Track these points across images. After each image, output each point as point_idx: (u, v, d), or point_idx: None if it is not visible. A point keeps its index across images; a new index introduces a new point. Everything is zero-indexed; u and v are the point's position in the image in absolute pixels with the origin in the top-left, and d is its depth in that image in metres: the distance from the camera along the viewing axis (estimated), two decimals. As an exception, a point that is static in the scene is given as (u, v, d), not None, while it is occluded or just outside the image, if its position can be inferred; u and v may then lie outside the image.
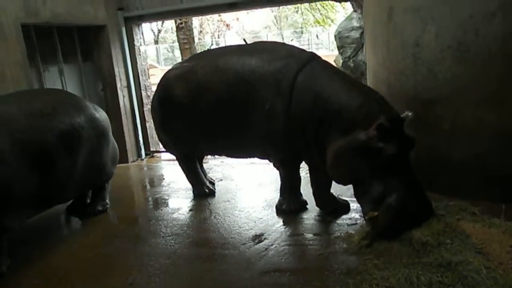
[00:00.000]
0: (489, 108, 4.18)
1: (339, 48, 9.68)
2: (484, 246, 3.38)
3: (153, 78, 8.36)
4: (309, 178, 4.67)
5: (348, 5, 8.07)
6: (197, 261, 3.85)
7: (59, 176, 4.33)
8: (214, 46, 20.30)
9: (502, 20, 3.94)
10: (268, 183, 5.61)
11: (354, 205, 4.65)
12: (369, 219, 3.77)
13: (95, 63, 7.49)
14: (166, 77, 5.08)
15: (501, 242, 3.41)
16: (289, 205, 4.67)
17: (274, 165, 4.72)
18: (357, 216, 4.45)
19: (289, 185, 4.68)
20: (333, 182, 4.50)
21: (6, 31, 5.43)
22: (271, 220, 4.57)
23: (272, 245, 4.00)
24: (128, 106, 7.73)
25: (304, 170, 4.83)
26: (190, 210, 5.14)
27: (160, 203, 5.53)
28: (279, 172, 4.68)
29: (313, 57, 4.40)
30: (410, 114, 3.80)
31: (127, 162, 7.60)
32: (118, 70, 7.48)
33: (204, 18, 18.26)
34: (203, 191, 5.49)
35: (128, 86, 7.68)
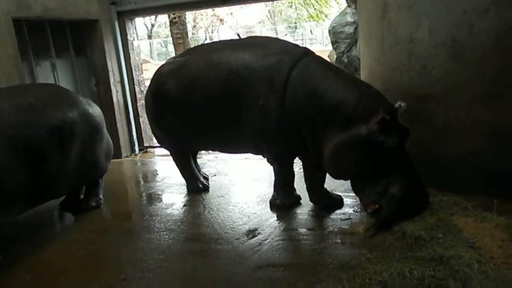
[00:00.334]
0: (482, 104, 4.20)
1: (333, 43, 9.68)
2: (476, 241, 3.42)
3: (147, 73, 8.31)
4: (302, 173, 4.67)
5: (342, 0, 8.06)
6: (191, 256, 3.85)
7: (51, 172, 4.31)
8: (207, 41, 20.22)
9: (496, 16, 3.95)
10: (262, 178, 5.62)
11: (348, 200, 4.69)
12: (372, 212, 3.84)
13: (88, 58, 7.43)
14: (159, 72, 5.06)
15: (493, 236, 3.45)
16: (283, 200, 4.68)
17: (268, 161, 4.72)
18: (350, 211, 4.47)
19: (283, 180, 4.69)
20: (327, 177, 4.54)
21: (-3, 26, 5.39)
22: (265, 215, 4.58)
23: (266, 240, 4.01)
24: (121, 101, 7.69)
25: (297, 165, 4.84)
26: (184, 205, 5.14)
27: (153, 198, 5.52)
28: (273, 167, 4.69)
29: (306, 53, 4.39)
30: (403, 104, 3.84)
31: (121, 158, 7.57)
32: (111, 65, 7.43)
33: (198, 12, 18.18)
34: (197, 186, 5.49)
35: (122, 81, 7.64)
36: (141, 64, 8.20)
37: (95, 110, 5.00)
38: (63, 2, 6.37)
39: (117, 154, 7.30)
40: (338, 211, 4.49)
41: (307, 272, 3.38)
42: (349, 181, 4.50)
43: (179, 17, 12.97)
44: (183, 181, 5.60)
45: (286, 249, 3.83)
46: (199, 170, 5.77)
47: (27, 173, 4.07)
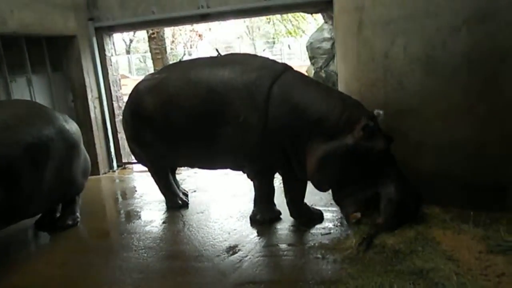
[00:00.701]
0: (456, 119, 4.30)
1: (310, 58, 9.82)
2: (454, 253, 3.48)
3: (125, 89, 8.25)
4: (282, 188, 4.68)
5: (319, 16, 8.21)
6: (171, 274, 3.79)
7: (26, 190, 4.21)
8: (186, 56, 20.23)
9: (467, 34, 4.08)
10: (242, 194, 5.59)
11: (328, 214, 4.70)
12: (355, 222, 3.92)
13: (65, 73, 7.34)
14: (137, 89, 5.03)
15: (470, 248, 3.51)
16: (263, 216, 4.66)
17: (248, 176, 4.71)
18: (330, 225, 4.48)
19: (263, 196, 4.68)
20: (307, 192, 4.56)
21: (-29, 41, 5.29)
22: (245, 231, 4.55)
23: (246, 256, 3.98)
24: (99, 117, 7.60)
25: (277, 180, 4.84)
26: (163, 223, 5.07)
27: (132, 215, 5.43)
28: (253, 183, 4.68)
29: (285, 68, 4.45)
30: (381, 112, 3.99)
31: (99, 174, 7.44)
32: (89, 80, 7.35)
33: (177, 28, 18.21)
34: (176, 202, 5.43)
35: (100, 97, 7.56)
36: (120, 80, 8.14)
37: (72, 127, 4.92)
38: (40, 18, 6.29)
39: (95, 171, 7.19)
40: (318, 226, 4.49)
41: (288, 288, 3.36)
42: (329, 196, 4.54)
43: (157, 32, 12.98)
44: (162, 197, 5.54)
45: (267, 266, 3.80)
46: (178, 186, 5.72)
47: (1, 192, 3.96)
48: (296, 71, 4.53)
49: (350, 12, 5.02)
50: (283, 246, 4.16)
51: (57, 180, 4.58)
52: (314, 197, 5.13)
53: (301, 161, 4.21)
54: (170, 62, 13.48)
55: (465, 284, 3.01)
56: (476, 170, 4.33)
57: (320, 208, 4.79)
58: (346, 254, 3.80)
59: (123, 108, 6.03)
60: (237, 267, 3.80)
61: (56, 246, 4.67)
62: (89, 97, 7.34)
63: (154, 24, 7.66)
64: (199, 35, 19.54)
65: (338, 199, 4.16)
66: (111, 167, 7.83)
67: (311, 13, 7.81)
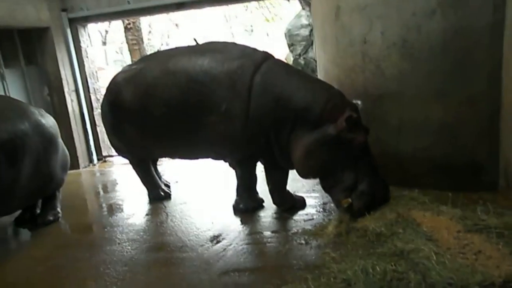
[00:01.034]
0: (433, 102, 4.37)
1: (289, 45, 9.79)
2: (434, 233, 3.54)
3: (102, 81, 8.12)
4: (264, 176, 4.69)
5: (296, 3, 8.18)
6: (155, 266, 3.79)
7: (2, 187, 4.13)
8: (164, 47, 19.96)
9: (441, 17, 4.12)
10: (224, 183, 5.59)
11: (310, 200, 4.75)
12: (347, 207, 4.00)
13: (40, 66, 7.18)
14: (115, 80, 4.95)
15: (449, 228, 3.59)
16: (246, 204, 4.68)
17: (230, 165, 4.71)
18: (313, 211, 4.53)
19: (246, 185, 4.69)
20: (289, 179, 4.59)
21: None
22: (228, 220, 4.56)
23: (230, 245, 4.00)
24: (77, 110, 7.48)
25: (259, 168, 4.86)
26: (146, 215, 5.04)
27: (114, 209, 5.39)
28: (235, 172, 4.68)
29: (267, 57, 4.43)
30: (359, 102, 4.11)
31: (78, 168, 7.36)
32: (65, 73, 7.21)
33: (153, 18, 17.90)
34: (158, 194, 5.40)
35: (77, 90, 7.43)
36: (96, 72, 8.00)
37: (48, 121, 4.83)
38: (11, 9, 6.11)
39: (75, 165, 7.10)
40: (301, 212, 4.54)
41: (272, 274, 3.39)
42: (311, 182, 4.57)
43: (133, 23, 12.75)
44: (144, 190, 5.50)
45: (251, 253, 3.83)
46: (160, 178, 5.68)
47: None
48: (278, 59, 4.53)
49: (327, -2, 5.02)
50: (266, 233, 4.19)
51: (35, 175, 4.50)
52: (296, 184, 5.16)
53: (282, 149, 4.23)
54: (148, 53, 13.29)
55: (444, 263, 3.08)
56: (453, 151, 4.42)
57: (303, 195, 4.84)
58: (328, 238, 3.86)
59: (101, 100, 5.95)
60: (221, 255, 3.82)
61: (38, 242, 4.61)
62: (66, 90, 7.22)
63: (129, 14, 7.55)
64: (176, 25, 19.25)
65: (326, 187, 4.22)
66: (91, 160, 7.74)
67: (289, 0, 7.78)
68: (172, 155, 5.24)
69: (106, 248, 4.22)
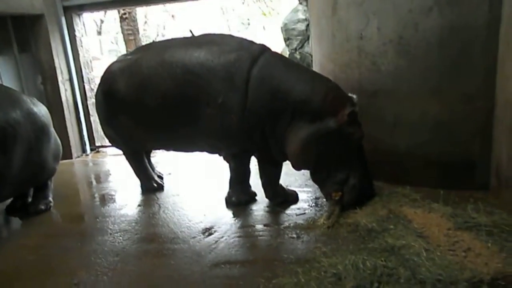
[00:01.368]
0: (429, 99, 4.38)
1: (285, 40, 9.76)
2: (424, 230, 3.57)
3: (97, 70, 8.06)
4: (257, 169, 4.69)
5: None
6: (146, 257, 3.79)
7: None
8: (159, 37, 19.85)
9: (438, 14, 4.13)
10: (217, 176, 5.59)
11: (303, 195, 4.76)
12: (338, 200, 4.07)
13: (34, 55, 7.10)
14: (109, 70, 4.91)
15: (439, 225, 3.62)
16: (238, 197, 4.68)
17: (225, 158, 4.71)
18: (305, 206, 4.54)
19: (239, 178, 4.69)
20: (282, 173, 4.60)
21: None
22: (220, 212, 4.57)
23: (222, 237, 4.00)
24: (70, 99, 7.42)
25: (252, 161, 4.86)
26: (138, 206, 5.03)
27: (107, 199, 5.37)
28: (229, 164, 4.68)
29: (264, 49, 4.42)
30: (354, 96, 4.13)
31: (71, 158, 7.31)
32: (59, 62, 7.14)
33: (149, 8, 17.79)
34: (151, 185, 5.39)
35: (70, 79, 7.37)
36: (91, 61, 7.93)
37: (41, 109, 4.79)
38: (3, -5, 6.04)
39: (68, 155, 7.06)
40: (293, 206, 4.55)
41: (263, 267, 3.40)
42: (304, 177, 4.57)
43: (129, 13, 12.65)
44: (137, 180, 5.48)
45: (243, 246, 3.84)
46: (153, 169, 5.67)
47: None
48: (275, 52, 4.51)
49: (324, -8, 5.00)
50: (258, 226, 4.20)
51: (26, 164, 4.48)
52: (289, 178, 5.18)
53: (278, 142, 4.23)
54: (143, 43, 13.21)
55: (434, 260, 3.10)
56: (447, 149, 4.44)
57: (295, 189, 4.85)
58: (319, 231, 3.89)
59: (95, 90, 5.91)
60: (213, 248, 3.82)
61: (29, 231, 4.59)
62: (59, 79, 7.15)
63: (125, 3, 7.49)
64: (172, 16, 19.15)
65: (318, 179, 4.26)
66: (84, 150, 7.70)
67: (286, -6, 7.75)
68: (167, 147, 5.22)
69: (97, 238, 4.22)
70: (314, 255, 3.47)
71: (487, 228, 3.43)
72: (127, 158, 5.41)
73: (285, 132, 4.15)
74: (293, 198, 4.69)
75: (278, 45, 11.02)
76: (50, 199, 5.08)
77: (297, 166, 4.32)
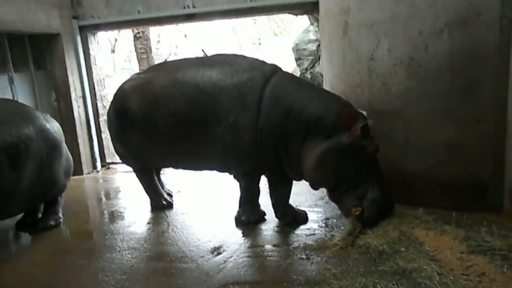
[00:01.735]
0: (439, 121, 4.36)
1: (296, 60, 9.84)
2: (437, 253, 3.51)
3: (109, 88, 8.17)
4: (267, 189, 4.68)
5: (304, 18, 8.24)
6: (154, 276, 3.76)
7: (5, 190, 4.14)
8: (172, 56, 20.10)
9: (449, 37, 4.14)
10: (227, 194, 5.58)
11: (313, 215, 4.72)
12: (358, 216, 4.04)
13: (49, 72, 7.24)
14: (122, 88, 4.97)
15: (452, 248, 3.56)
16: (248, 217, 4.66)
17: (235, 177, 4.70)
18: (315, 226, 4.49)
19: (249, 197, 4.68)
20: (292, 193, 4.57)
21: (-50, 38, 5.17)
22: (229, 231, 4.54)
23: (231, 257, 3.97)
24: (83, 116, 7.52)
25: (262, 180, 4.84)
26: (147, 223, 5.03)
27: (116, 216, 5.38)
28: (240, 184, 4.67)
29: (276, 69, 4.46)
30: (364, 112, 4.16)
31: (82, 174, 7.36)
32: (73, 79, 7.26)
33: (162, 28, 18.07)
34: (160, 203, 5.39)
35: (84, 96, 7.48)
36: (104, 79, 8.05)
37: (53, 126, 4.85)
38: (22, 14, 6.19)
39: (79, 171, 7.12)
40: (303, 227, 4.50)
41: (272, 289, 3.36)
42: (314, 197, 4.54)
43: (143, 32, 12.87)
44: (146, 198, 5.49)
45: (252, 266, 3.80)
46: (163, 187, 5.68)
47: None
48: (286, 72, 4.57)
49: (335, 14, 5.05)
50: (268, 247, 4.16)
51: (37, 179, 4.51)
52: (299, 198, 5.15)
53: (292, 160, 4.23)
54: (156, 62, 13.39)
55: (447, 284, 3.05)
56: (458, 171, 4.39)
57: (305, 209, 4.81)
58: (332, 251, 3.84)
59: (107, 107, 5.97)
60: (221, 267, 3.79)
61: (38, 246, 4.59)
62: (73, 96, 7.26)
63: (139, 23, 7.62)
64: (185, 36, 19.42)
65: (335, 196, 4.25)
66: (95, 167, 7.75)
67: (297, 15, 7.84)
68: (177, 166, 5.22)
69: (106, 255, 4.21)
70: (324, 277, 3.42)
71: (501, 252, 3.37)
72: (137, 175, 5.42)
73: (300, 150, 4.16)
74: (302, 218, 4.65)
75: (289, 65, 11.09)
76: (60, 215, 5.10)
77: (315, 184, 4.31)
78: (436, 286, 3.03)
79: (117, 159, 7.30)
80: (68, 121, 7.21)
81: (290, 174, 4.40)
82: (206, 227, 4.72)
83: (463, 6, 4.05)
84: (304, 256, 3.86)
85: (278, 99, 4.20)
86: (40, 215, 5.09)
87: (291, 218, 4.60)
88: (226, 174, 4.79)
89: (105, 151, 7.89)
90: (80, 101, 7.44)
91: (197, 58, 5.04)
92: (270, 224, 4.63)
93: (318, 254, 3.85)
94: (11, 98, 6.49)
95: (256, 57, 4.81)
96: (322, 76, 6.60)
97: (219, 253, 4.06)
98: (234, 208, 4.79)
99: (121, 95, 4.92)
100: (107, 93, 7.96)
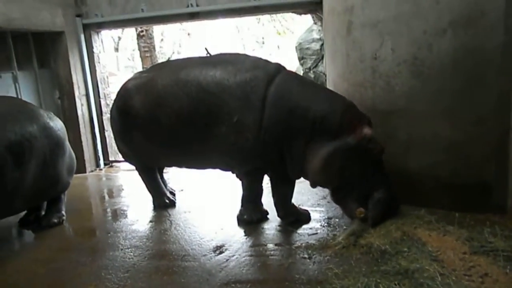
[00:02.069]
0: (442, 120, 4.34)
1: (299, 59, 9.85)
2: (439, 254, 3.50)
3: (113, 86, 8.19)
4: (269, 187, 4.67)
5: (308, 17, 8.23)
6: (157, 274, 3.76)
7: (8, 187, 4.15)
8: (175, 55, 20.13)
9: (452, 36, 4.12)
10: (229, 193, 5.58)
11: (316, 215, 4.72)
12: (364, 217, 4.05)
13: (52, 70, 7.26)
14: (125, 87, 4.98)
15: (455, 249, 3.55)
16: (250, 216, 4.66)
17: (237, 176, 4.70)
18: (317, 225, 4.49)
19: (251, 196, 4.68)
20: (294, 192, 4.57)
21: (-45, 36, 5.20)
22: (232, 230, 4.54)
23: (233, 256, 3.97)
24: (86, 114, 7.54)
25: (264, 179, 4.84)
26: (150, 222, 5.04)
27: (119, 214, 5.39)
28: (242, 182, 4.67)
29: (280, 68, 4.46)
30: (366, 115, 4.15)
31: (85, 172, 7.39)
32: (77, 77, 7.28)
33: (165, 26, 18.09)
34: (163, 202, 5.40)
35: (87, 94, 7.50)
36: (107, 77, 8.07)
37: (57, 124, 4.86)
38: (26, 13, 6.21)
39: (82, 169, 7.14)
40: (305, 226, 4.50)
41: (274, 288, 3.35)
42: (316, 196, 4.53)
43: (146, 30, 12.89)
44: (149, 196, 5.50)
45: (254, 265, 3.80)
46: (166, 185, 5.68)
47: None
48: (290, 71, 4.57)
49: (339, 13, 5.04)
50: (270, 246, 4.16)
51: (41, 177, 4.53)
52: (301, 197, 5.15)
53: (295, 160, 4.23)
54: (159, 60, 13.40)
55: (450, 285, 3.04)
56: (461, 170, 4.38)
57: (308, 208, 4.81)
58: (334, 251, 3.83)
59: (110, 105, 5.99)
60: (223, 266, 3.79)
61: (41, 244, 4.61)
62: (76, 94, 7.28)
63: (143, 21, 7.63)
64: (188, 34, 19.43)
65: (339, 198, 4.26)
66: (98, 165, 7.77)
67: (301, 14, 7.83)
68: (180, 165, 5.22)
69: (108, 253, 4.22)
70: (326, 276, 3.42)
71: (505, 253, 3.35)
72: (139, 174, 5.44)
73: (304, 150, 4.16)
74: (305, 217, 4.64)
75: (292, 64, 11.09)
76: (63, 212, 5.12)
77: (319, 184, 4.32)
78: (438, 286, 3.02)
79: (120, 157, 7.31)
80: (72, 119, 7.23)
81: (290, 172, 4.39)
82: (208, 225, 4.72)
83: (467, 5, 4.03)
84: (306, 256, 3.85)
85: (282, 98, 4.20)
86: (43, 213, 5.11)
87: (294, 217, 4.60)
88: (229, 173, 4.79)
89: (108, 149, 7.91)
90: (84, 99, 7.47)
91: (201, 58, 5.05)
92: (272, 223, 4.63)
93: (320, 254, 3.84)
94: (15, 96, 6.52)
95: (259, 56, 4.81)
96: (325, 75, 6.59)
97: (221, 252, 4.07)
98: (237, 207, 4.80)
99: (124, 93, 4.93)
100: (110, 91, 7.98)
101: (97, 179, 7.22)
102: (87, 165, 7.48)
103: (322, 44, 8.56)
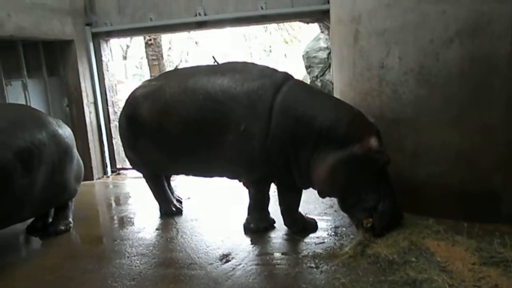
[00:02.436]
0: (449, 129, 4.33)
1: (306, 67, 9.86)
2: (448, 264, 3.47)
3: (121, 94, 8.25)
4: (276, 196, 4.66)
5: (315, 25, 8.26)
6: (163, 282, 3.76)
7: (17, 194, 4.18)
8: (183, 63, 20.24)
9: (459, 45, 4.12)
10: (236, 201, 5.57)
11: (323, 224, 4.70)
12: (371, 227, 4.01)
13: (61, 78, 7.33)
14: (133, 95, 5.01)
15: (464, 259, 3.51)
16: (257, 224, 4.65)
17: (244, 184, 4.70)
18: (324, 234, 4.47)
19: (258, 204, 4.67)
20: (301, 201, 4.55)
21: (-33, 44, 5.27)
22: (238, 239, 4.53)
23: (239, 264, 3.96)
24: (94, 122, 7.59)
25: (271, 188, 4.83)
26: (156, 229, 5.04)
27: (125, 222, 5.40)
28: (249, 191, 4.67)
29: (287, 77, 4.47)
30: (373, 120, 4.17)
31: (93, 179, 7.42)
32: (85, 85, 7.35)
33: (173, 35, 18.22)
34: (170, 209, 5.40)
35: (95, 102, 7.55)
36: (116, 85, 8.13)
37: (65, 131, 4.90)
38: (37, 21, 6.29)
39: (89, 176, 7.18)
40: (312, 235, 4.48)
41: (281, 297, 3.34)
42: (323, 205, 4.51)
43: (154, 39, 12.99)
44: (156, 204, 5.51)
45: (260, 274, 3.78)
46: (173, 193, 5.69)
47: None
48: (298, 80, 4.57)
49: (346, 22, 5.05)
50: (276, 255, 4.14)
51: (49, 184, 4.55)
52: (308, 206, 5.13)
53: (302, 169, 4.22)
54: (167, 69, 13.49)
55: (458, 296, 3.01)
56: (469, 179, 4.35)
57: (314, 217, 4.79)
58: (341, 260, 3.80)
59: (118, 113, 6.03)
60: (230, 275, 3.78)
61: (48, 251, 4.63)
62: (85, 102, 7.34)
63: (151, 30, 7.69)
64: (196, 43, 19.55)
65: (346, 207, 4.21)
66: (105, 172, 7.80)
67: (308, 23, 7.86)
68: (187, 172, 5.23)
69: (115, 261, 4.22)
70: (333, 286, 3.39)
71: (514, 264, 3.31)
72: (147, 181, 5.45)
73: (310, 159, 4.14)
74: (312, 226, 4.62)
75: (299, 73, 11.11)
76: (70, 219, 5.13)
77: (324, 194, 4.29)
78: (447, 297, 2.99)
79: (127, 164, 7.35)
80: (80, 127, 7.29)
81: (297, 181, 4.38)
82: (215, 234, 4.71)
83: (473, 15, 4.03)
84: (313, 265, 3.83)
85: (289, 107, 4.20)
86: (50, 220, 5.13)
87: (300, 226, 4.58)
88: (236, 181, 4.79)
89: (116, 157, 7.94)
90: (92, 107, 7.52)
91: (208, 66, 5.07)
92: (279, 232, 4.62)
93: (327, 263, 3.82)
94: (24, 103, 6.59)
95: (267, 64, 4.83)
96: (333, 84, 6.59)
97: (227, 261, 4.05)
98: (243, 215, 4.79)
99: (132, 101, 4.96)
100: (118, 99, 8.03)
101: (104, 187, 7.25)
102: (94, 172, 7.51)
103: (329, 53, 8.58)
